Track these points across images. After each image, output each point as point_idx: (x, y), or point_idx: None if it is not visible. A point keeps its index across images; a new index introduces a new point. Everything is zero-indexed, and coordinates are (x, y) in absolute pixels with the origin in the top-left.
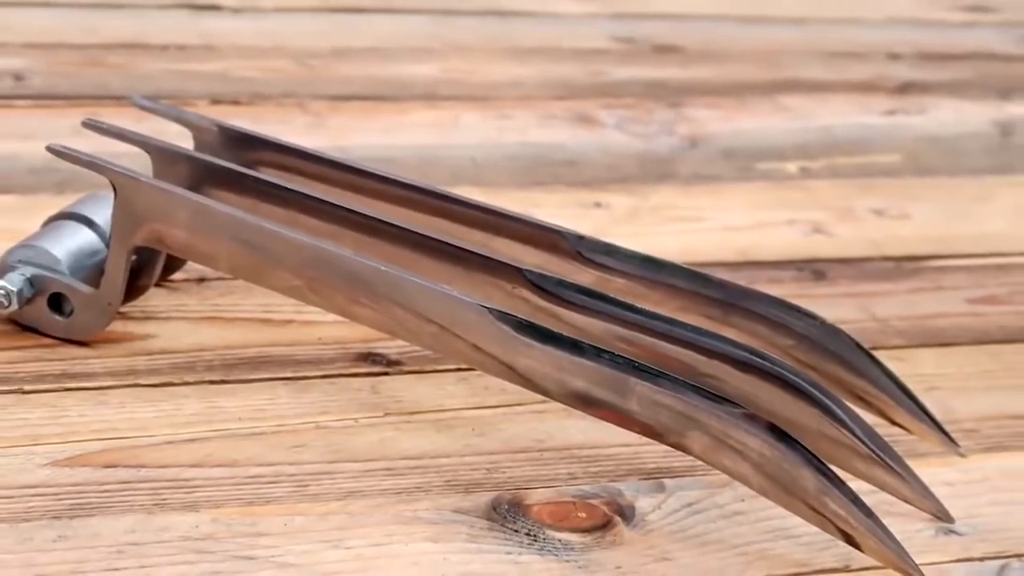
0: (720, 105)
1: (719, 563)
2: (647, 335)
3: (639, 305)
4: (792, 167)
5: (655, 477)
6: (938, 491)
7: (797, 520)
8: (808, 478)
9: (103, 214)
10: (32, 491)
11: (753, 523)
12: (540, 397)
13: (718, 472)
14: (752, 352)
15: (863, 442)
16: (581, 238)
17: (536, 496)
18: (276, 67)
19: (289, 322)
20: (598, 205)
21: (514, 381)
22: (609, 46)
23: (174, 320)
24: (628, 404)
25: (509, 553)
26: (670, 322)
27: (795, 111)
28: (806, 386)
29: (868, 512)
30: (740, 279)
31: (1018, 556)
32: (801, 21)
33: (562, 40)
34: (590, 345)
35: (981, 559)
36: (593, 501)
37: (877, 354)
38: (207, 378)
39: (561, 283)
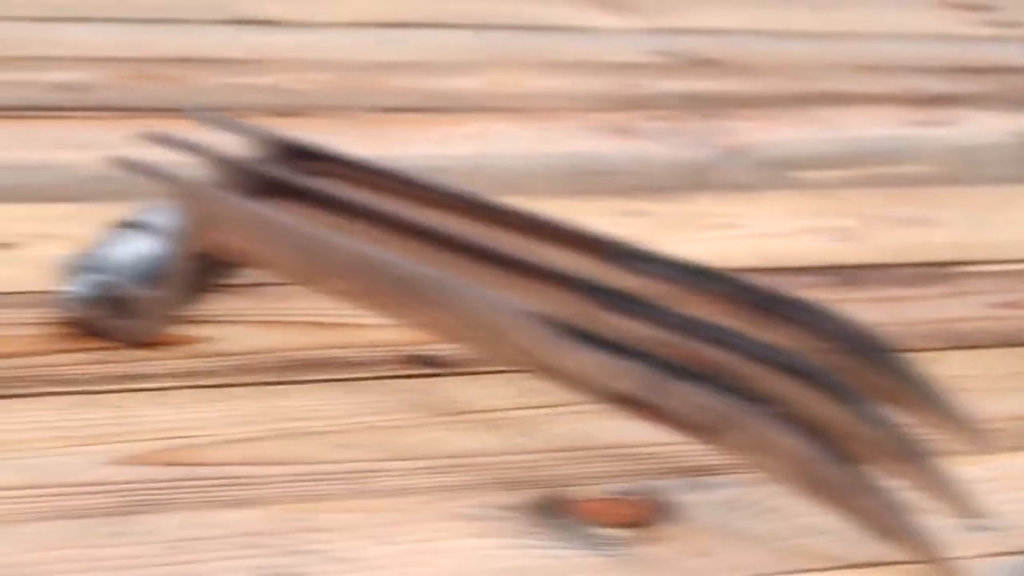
0: (755, 117)
1: (757, 558)
2: (686, 338)
3: (678, 309)
4: (824, 176)
5: (694, 475)
6: (967, 488)
7: (832, 516)
8: (842, 476)
9: (164, 222)
10: (93, 488)
11: (790, 519)
12: (584, 398)
13: (755, 470)
14: (787, 354)
15: (894, 440)
16: (622, 244)
17: (579, 493)
18: (327, 80)
19: (343, 326)
20: (637, 213)
21: (559, 383)
22: (647, 60)
23: (232, 323)
24: (668, 405)
25: (552, 548)
26: (708, 325)
27: (827, 122)
28: (839, 386)
29: (900, 508)
30: (774, 284)
31: None
32: (833, 36)
33: (602, 54)
34: (632, 348)
35: (1009, 554)
36: (634, 498)
37: (906, 356)
38: (263, 379)
39: (603, 288)
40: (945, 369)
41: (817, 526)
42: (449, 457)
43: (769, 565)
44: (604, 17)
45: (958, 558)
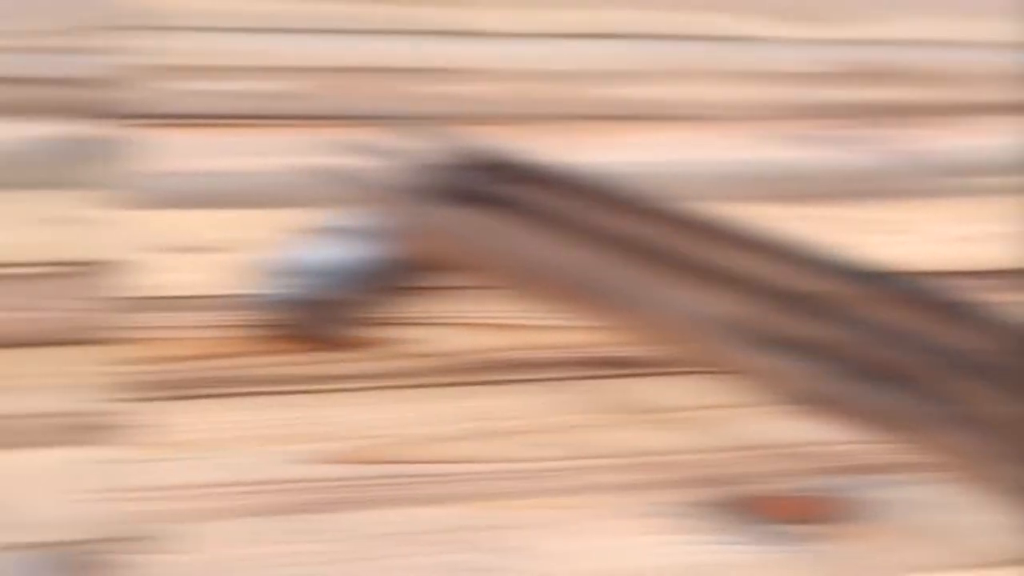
0: (930, 124)
1: (938, 555)
2: (869, 340)
3: (861, 312)
4: (995, 182)
5: (877, 473)
6: None
7: (1014, 513)
8: (1021, 473)
9: (361, 226)
10: (290, 486)
11: (970, 516)
12: (769, 398)
13: (938, 468)
14: (965, 354)
15: None
16: (806, 249)
17: (763, 491)
18: (523, 89)
19: (535, 328)
20: (812, 218)
21: (747, 384)
22: (823, 69)
23: (427, 325)
24: (852, 404)
25: (737, 545)
26: (890, 327)
27: (1003, 131)
28: (1016, 386)
29: None
30: (952, 288)
31: None
32: (997, 46)
33: (779, 64)
34: (818, 350)
35: None
36: (817, 496)
37: None
38: (458, 380)
39: (788, 292)
40: None
41: (998, 523)
42: (637, 455)
43: (950, 561)
44: (783, 28)
45: None
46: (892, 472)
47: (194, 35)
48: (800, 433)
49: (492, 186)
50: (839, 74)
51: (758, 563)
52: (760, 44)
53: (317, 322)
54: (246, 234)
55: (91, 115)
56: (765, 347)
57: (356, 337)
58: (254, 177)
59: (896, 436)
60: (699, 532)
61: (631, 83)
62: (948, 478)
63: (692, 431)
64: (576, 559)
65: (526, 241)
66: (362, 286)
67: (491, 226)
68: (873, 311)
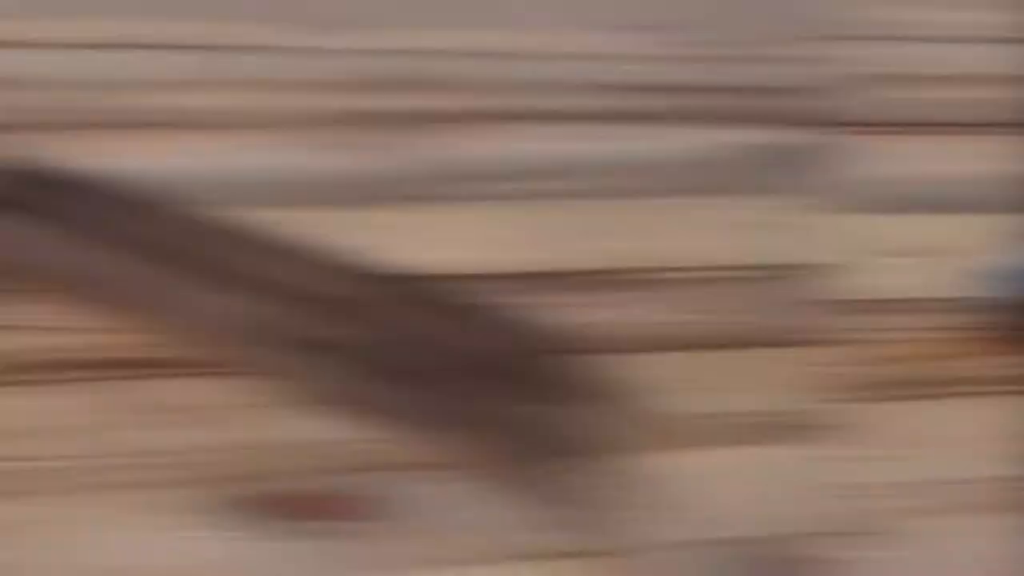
0: (452, 131)
1: (454, 550)
2: (389, 342)
3: (381, 315)
4: (521, 188)
5: (398, 471)
6: None
7: (526, 510)
8: (532, 471)
9: None
10: (1000, 485)
11: (486, 513)
12: (295, 398)
13: (455, 466)
14: (480, 356)
15: None
16: (326, 252)
17: (284, 489)
18: (56, 98)
19: (69, 329)
20: (337, 223)
21: (272, 384)
22: (345, 77)
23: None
24: (373, 404)
25: (252, 541)
26: (409, 329)
27: (526, 136)
28: (526, 387)
29: None
30: (466, 291)
31: None
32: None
33: (302, 72)
34: (339, 351)
35: None
36: (340, 494)
37: None
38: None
39: (310, 295)
40: None
41: (513, 520)
42: (159, 454)
43: (465, 556)
44: (302, 37)
45: None
46: (412, 470)
47: (900, 44)
48: (324, 432)
49: (24, 193)
50: (360, 82)
51: (274, 559)
52: (282, 53)
53: None
54: (959, 238)
55: (799, 123)
56: (288, 349)
57: None
58: (963, 183)
59: (415, 435)
60: (217, 529)
61: (158, 92)
62: (465, 476)
63: (216, 429)
64: (88, 554)
65: (55, 247)
66: None
67: (26, 233)
68: (392, 314)
